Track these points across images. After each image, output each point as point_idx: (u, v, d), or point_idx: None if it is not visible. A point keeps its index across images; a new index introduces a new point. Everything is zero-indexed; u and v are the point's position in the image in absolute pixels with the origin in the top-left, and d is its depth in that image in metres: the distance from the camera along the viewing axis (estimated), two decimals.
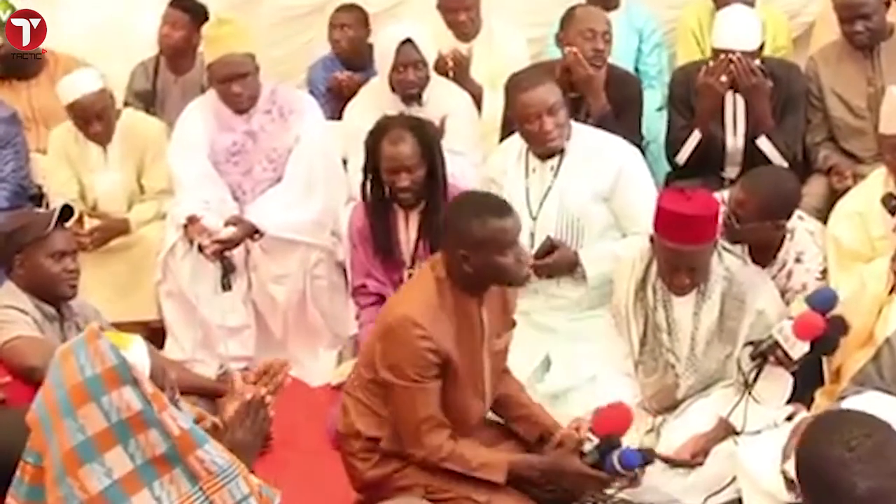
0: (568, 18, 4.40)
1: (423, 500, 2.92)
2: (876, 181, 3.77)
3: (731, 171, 4.39)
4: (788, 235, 3.65)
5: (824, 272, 3.64)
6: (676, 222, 3.25)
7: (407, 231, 3.99)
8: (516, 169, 3.96)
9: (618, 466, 3.00)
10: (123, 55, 5.48)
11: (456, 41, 5.00)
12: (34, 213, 3.80)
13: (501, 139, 4.31)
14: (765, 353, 3.27)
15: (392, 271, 4.02)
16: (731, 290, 3.41)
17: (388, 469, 3.15)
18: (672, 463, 3.32)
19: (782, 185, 3.63)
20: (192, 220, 4.28)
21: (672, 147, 4.49)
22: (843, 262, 3.63)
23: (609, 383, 3.57)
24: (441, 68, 4.70)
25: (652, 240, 3.38)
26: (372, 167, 3.88)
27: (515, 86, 3.87)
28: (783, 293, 3.59)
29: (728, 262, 3.44)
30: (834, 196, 4.12)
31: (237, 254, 4.35)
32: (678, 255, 3.30)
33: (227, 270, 4.33)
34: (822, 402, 3.41)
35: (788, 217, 3.61)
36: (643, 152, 4.16)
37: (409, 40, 4.41)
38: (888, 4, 4.54)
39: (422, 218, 3.93)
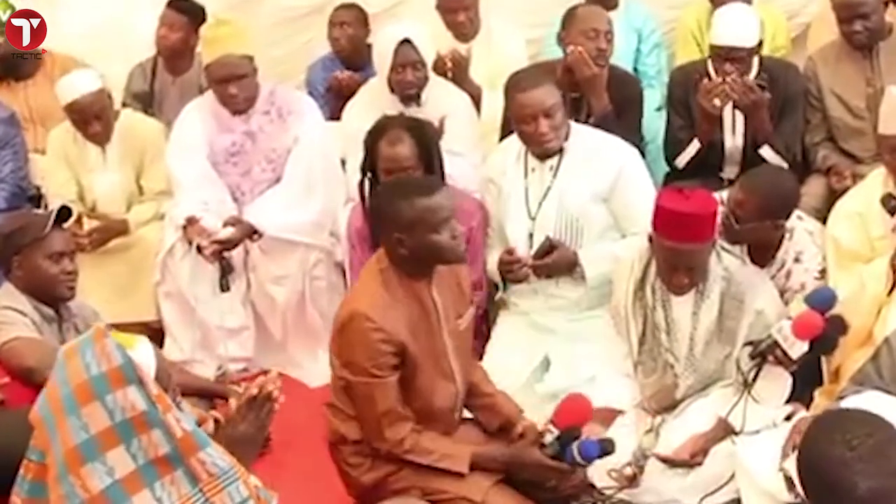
0: (570, 18, 4.40)
1: (421, 501, 2.93)
2: (875, 181, 3.76)
3: (729, 172, 4.39)
4: (787, 235, 3.65)
5: (823, 272, 3.64)
6: (675, 221, 3.25)
7: None
8: (515, 169, 3.96)
9: (577, 457, 3.03)
10: (121, 56, 5.48)
11: (455, 41, 5.00)
12: (32, 214, 3.80)
13: (501, 139, 4.30)
14: (764, 353, 3.27)
15: None
16: (729, 289, 3.41)
17: (382, 472, 3.14)
18: (671, 463, 3.32)
19: (781, 185, 3.63)
20: (190, 221, 4.28)
21: (671, 147, 4.50)
22: (843, 262, 3.62)
23: (608, 383, 3.57)
24: (440, 69, 4.69)
25: (650, 239, 3.38)
26: (370, 167, 3.87)
27: (514, 85, 3.86)
28: (782, 293, 3.59)
29: (727, 262, 3.44)
30: (833, 196, 4.12)
31: (236, 255, 4.35)
32: (677, 254, 3.30)
33: (226, 271, 4.32)
34: (821, 401, 3.41)
35: (787, 217, 3.61)
36: (643, 153, 4.16)
37: (407, 40, 4.40)
38: (887, 4, 4.54)
39: None
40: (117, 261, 4.56)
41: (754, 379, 3.31)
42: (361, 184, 3.91)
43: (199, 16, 5.11)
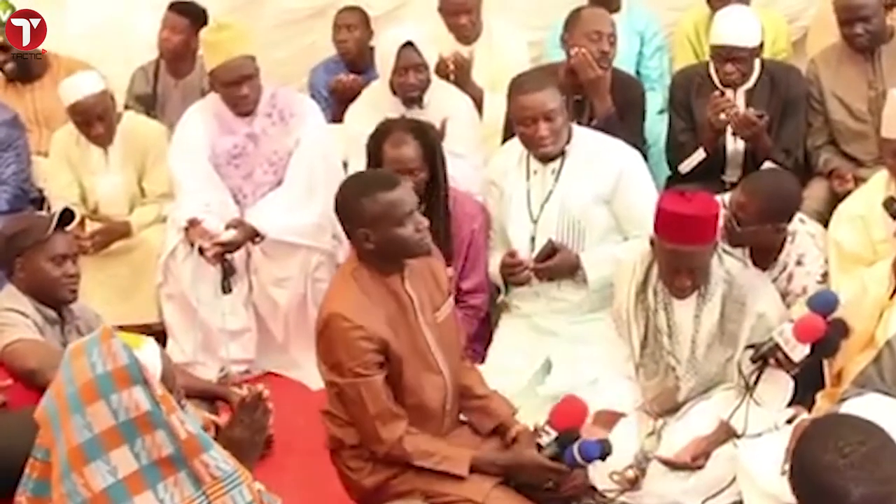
0: (573, 20, 4.40)
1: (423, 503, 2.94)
2: (877, 184, 3.76)
3: (731, 175, 4.39)
4: (789, 238, 3.65)
5: (825, 275, 3.64)
6: (677, 223, 3.25)
7: None
8: (517, 172, 3.96)
9: (578, 458, 3.03)
10: (123, 58, 5.50)
11: (457, 44, 5.01)
12: (35, 216, 3.80)
13: (503, 141, 4.31)
14: (765, 356, 3.27)
15: None
16: (731, 292, 3.41)
17: (383, 476, 3.13)
18: (672, 466, 3.32)
19: (783, 188, 3.63)
20: (192, 223, 4.29)
21: (673, 151, 4.50)
22: (845, 265, 3.62)
23: (610, 386, 3.57)
24: (442, 71, 4.70)
25: (652, 242, 3.38)
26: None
27: (516, 87, 3.87)
28: (784, 296, 3.58)
29: (728, 265, 3.43)
30: (835, 199, 4.12)
31: (238, 257, 4.35)
32: (678, 256, 3.29)
33: (228, 273, 4.33)
34: (822, 404, 3.41)
35: (789, 220, 3.61)
36: (645, 156, 4.16)
37: (410, 43, 4.41)
38: (888, 8, 4.54)
39: None
40: (119, 263, 4.57)
41: (756, 382, 3.31)
42: None
43: (200, 18, 5.11)
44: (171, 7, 5.19)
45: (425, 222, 3.05)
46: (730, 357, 3.42)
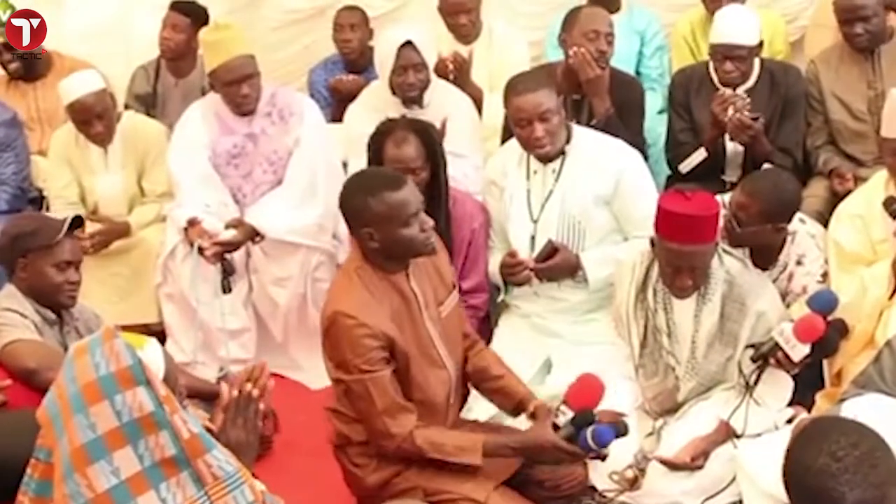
0: (571, 20, 4.39)
1: (423, 502, 2.93)
2: (877, 184, 3.76)
3: (731, 175, 4.39)
4: (789, 238, 3.66)
5: (825, 275, 3.64)
6: (677, 222, 3.25)
7: None
8: (517, 172, 3.96)
9: (591, 443, 2.97)
10: (124, 57, 5.50)
11: (456, 44, 5.01)
12: (45, 218, 3.76)
13: (503, 141, 4.30)
14: (765, 356, 3.28)
15: None
16: (731, 292, 3.41)
17: (387, 473, 3.13)
18: (672, 466, 3.33)
19: (783, 188, 3.63)
20: (192, 223, 4.28)
21: (673, 150, 4.50)
22: (844, 265, 3.62)
23: (610, 386, 3.56)
24: (441, 71, 4.70)
25: (653, 242, 3.39)
26: None
27: (511, 88, 3.86)
28: (784, 296, 3.59)
29: (729, 265, 3.44)
30: (835, 199, 4.12)
31: (237, 256, 4.35)
32: (679, 255, 3.30)
33: (228, 273, 4.32)
34: (822, 404, 3.42)
35: (789, 220, 3.61)
36: (645, 156, 4.16)
37: (409, 43, 4.40)
38: (888, 8, 4.54)
39: None
40: (119, 263, 4.56)
41: (756, 382, 3.32)
42: None
43: (201, 17, 5.12)
44: (173, 6, 5.19)
45: (431, 222, 3.06)
46: (730, 357, 3.43)
